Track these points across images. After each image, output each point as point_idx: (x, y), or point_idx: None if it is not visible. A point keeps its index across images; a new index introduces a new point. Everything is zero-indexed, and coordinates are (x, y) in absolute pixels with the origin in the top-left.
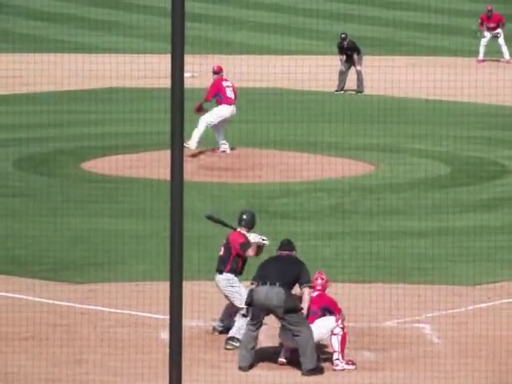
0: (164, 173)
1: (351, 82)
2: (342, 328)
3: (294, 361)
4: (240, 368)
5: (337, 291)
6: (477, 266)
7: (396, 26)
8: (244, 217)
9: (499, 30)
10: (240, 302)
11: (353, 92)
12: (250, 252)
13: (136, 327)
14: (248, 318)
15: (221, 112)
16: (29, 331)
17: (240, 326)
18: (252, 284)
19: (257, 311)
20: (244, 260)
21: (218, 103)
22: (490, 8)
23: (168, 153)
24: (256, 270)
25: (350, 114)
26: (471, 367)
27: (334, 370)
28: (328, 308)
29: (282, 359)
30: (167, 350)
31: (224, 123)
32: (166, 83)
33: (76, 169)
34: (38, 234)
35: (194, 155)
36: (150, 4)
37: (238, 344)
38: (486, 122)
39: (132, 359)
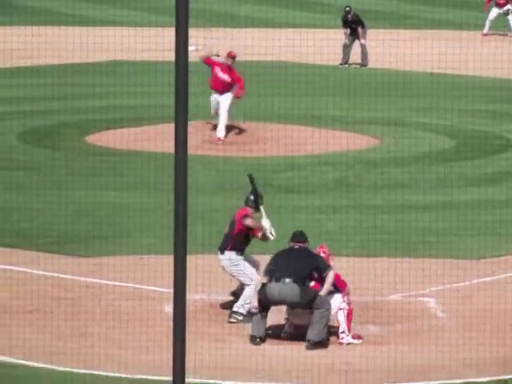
0: (168, 146)
1: (355, 55)
2: (349, 303)
3: (297, 335)
4: (251, 339)
5: (341, 265)
6: (481, 240)
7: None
8: (251, 197)
9: (509, 7)
10: (244, 278)
11: (357, 65)
12: (247, 221)
13: (140, 300)
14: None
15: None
16: (33, 304)
17: (245, 300)
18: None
19: (269, 305)
20: (246, 238)
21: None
22: None
23: (172, 126)
24: (268, 262)
25: (355, 87)
26: (475, 341)
27: (340, 343)
28: (334, 283)
29: (285, 333)
30: (171, 324)
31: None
32: (170, 56)
33: (80, 142)
34: (42, 207)
35: (198, 129)
36: None
37: (241, 318)
38: (491, 95)
39: (136, 332)
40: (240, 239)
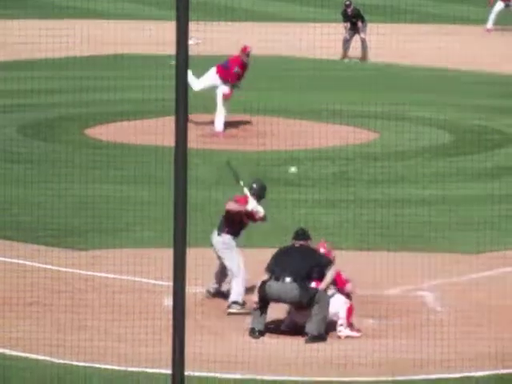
0: (168, 140)
1: (356, 49)
2: (350, 298)
3: (297, 330)
4: (251, 333)
5: (340, 259)
6: (480, 235)
7: None
8: (254, 186)
9: None
10: (232, 264)
11: (357, 60)
12: (228, 205)
13: (140, 293)
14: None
15: None
16: (33, 297)
17: (238, 289)
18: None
19: (268, 302)
20: (240, 222)
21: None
22: None
23: (172, 120)
24: (269, 259)
25: (355, 81)
26: (474, 335)
27: (338, 336)
28: (334, 282)
29: (284, 328)
30: (171, 317)
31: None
32: (170, 50)
33: (80, 135)
34: (42, 200)
35: (198, 122)
36: None
37: (240, 307)
38: (491, 90)
39: (136, 325)
40: (235, 223)
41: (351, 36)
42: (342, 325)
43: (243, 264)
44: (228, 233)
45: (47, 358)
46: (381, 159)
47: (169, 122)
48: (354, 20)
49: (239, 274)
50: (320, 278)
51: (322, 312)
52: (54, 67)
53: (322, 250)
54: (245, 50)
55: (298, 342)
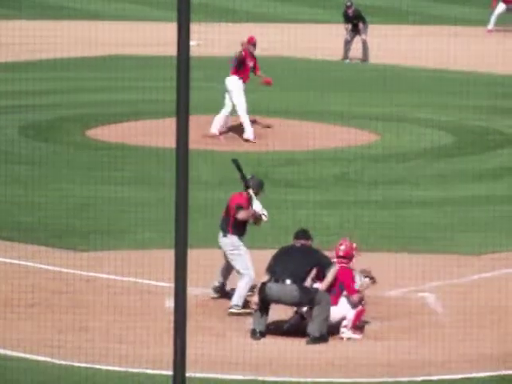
0: (169, 141)
1: (356, 50)
2: (363, 304)
3: (298, 330)
4: (253, 331)
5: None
6: (482, 236)
7: None
8: (251, 182)
9: None
10: (241, 265)
11: (358, 61)
12: (240, 215)
13: (141, 295)
14: (257, 309)
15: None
16: (34, 298)
17: (241, 291)
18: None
19: (268, 304)
20: (244, 222)
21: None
22: None
23: (173, 121)
24: (270, 260)
25: (356, 83)
26: (475, 337)
27: (340, 338)
28: (343, 284)
29: (289, 326)
30: (172, 318)
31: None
32: (171, 51)
33: (81, 136)
34: (43, 201)
35: (199, 123)
36: None
37: (241, 309)
38: (492, 91)
39: (137, 326)
40: (238, 223)
41: (352, 37)
42: (345, 326)
43: (251, 263)
44: (233, 233)
45: (48, 359)
46: (382, 160)
47: (170, 123)
48: (354, 21)
49: (247, 275)
50: (323, 279)
51: (324, 313)
52: (54, 68)
53: (342, 247)
54: (251, 41)
55: (299, 342)
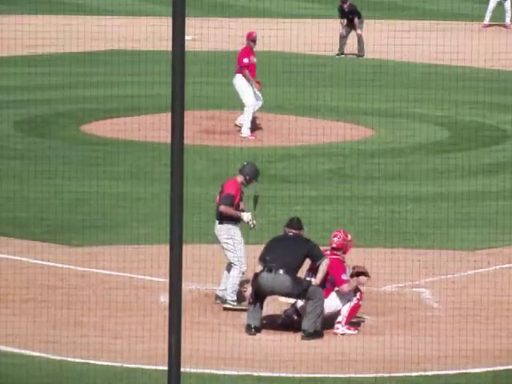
0: (164, 136)
1: (352, 46)
2: (359, 299)
3: (294, 324)
4: (248, 327)
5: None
6: (477, 231)
7: None
8: (245, 165)
9: None
10: (233, 255)
11: (353, 56)
12: (223, 208)
13: (136, 290)
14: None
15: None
16: (29, 293)
17: (234, 284)
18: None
19: (261, 295)
20: (238, 207)
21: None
22: None
23: (168, 116)
24: (262, 250)
25: (351, 78)
26: (470, 332)
27: (335, 333)
28: (333, 276)
29: (286, 317)
30: (167, 313)
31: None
32: (167, 46)
33: (76, 131)
34: (38, 197)
35: (194, 119)
36: None
37: (235, 303)
38: (488, 86)
39: (132, 322)
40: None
41: (347, 32)
42: (340, 322)
43: (244, 255)
44: (228, 219)
45: (43, 355)
46: (377, 156)
47: (166, 118)
48: (350, 16)
49: (238, 266)
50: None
51: (317, 308)
52: (50, 63)
53: (335, 239)
54: (250, 36)
55: (294, 338)
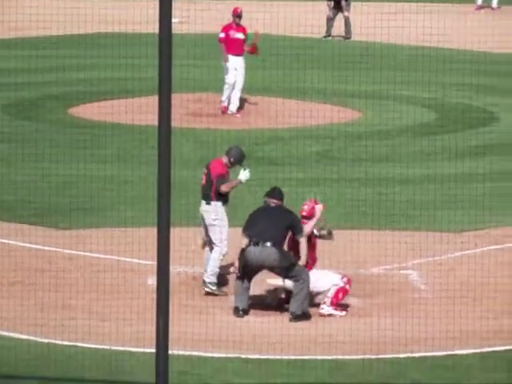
0: (152, 119)
1: (339, 28)
2: (345, 282)
3: (281, 306)
4: (235, 311)
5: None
6: (464, 213)
7: None
8: (232, 148)
9: None
10: (216, 237)
11: (341, 38)
12: (223, 188)
13: (124, 273)
14: (238, 275)
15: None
16: (16, 276)
17: (213, 267)
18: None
19: (249, 270)
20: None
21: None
22: None
23: (156, 98)
24: (245, 221)
25: (338, 60)
26: (458, 314)
27: (321, 314)
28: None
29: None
30: (154, 296)
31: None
32: (154, 28)
33: (64, 114)
34: (25, 180)
35: (182, 101)
36: None
37: (215, 288)
38: (475, 68)
39: (120, 305)
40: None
41: (335, 14)
42: (325, 303)
43: (227, 237)
44: (217, 200)
45: (31, 338)
46: (365, 138)
47: (153, 101)
48: None
49: (219, 248)
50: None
51: (304, 289)
52: (37, 46)
53: (305, 207)
54: (234, 12)
55: (282, 319)
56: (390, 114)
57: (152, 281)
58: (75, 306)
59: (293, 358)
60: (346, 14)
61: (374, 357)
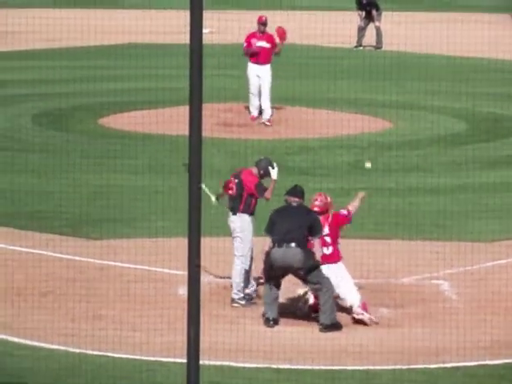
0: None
1: (370, 37)
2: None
3: (311, 315)
4: (265, 321)
5: (355, 247)
6: (495, 223)
7: None
8: (262, 159)
9: None
10: (239, 249)
11: (372, 48)
12: (268, 195)
13: (155, 283)
14: (266, 282)
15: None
16: (48, 286)
17: (236, 281)
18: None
19: (275, 273)
20: (257, 199)
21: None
22: None
23: (186, 108)
24: (267, 222)
25: (369, 70)
26: (489, 324)
27: (353, 318)
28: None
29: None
30: (185, 306)
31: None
32: (185, 39)
33: (94, 124)
34: (56, 190)
35: (213, 111)
36: None
37: (243, 302)
38: (506, 78)
39: (150, 315)
40: (250, 201)
41: (366, 24)
42: (359, 306)
43: (250, 251)
44: (243, 211)
45: (62, 348)
46: (395, 148)
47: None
48: (368, 8)
49: (240, 262)
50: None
51: (329, 299)
52: (68, 57)
53: (317, 202)
54: (260, 20)
55: (312, 329)
56: (420, 124)
57: (183, 291)
58: (106, 317)
59: (323, 368)
60: (377, 23)
61: (405, 367)
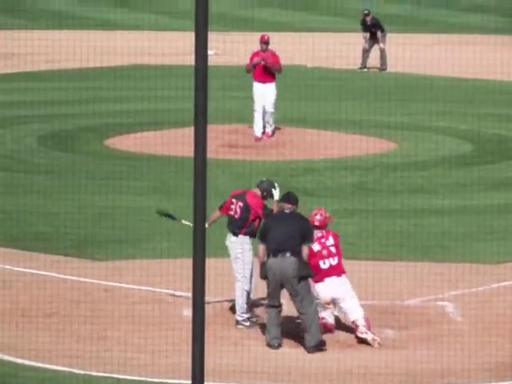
0: (188, 150)
1: (374, 59)
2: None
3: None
4: (269, 345)
5: (360, 269)
6: (500, 245)
7: (420, 3)
8: (263, 181)
9: None
10: (239, 271)
11: (376, 69)
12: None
13: (159, 304)
14: (267, 298)
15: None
16: (52, 308)
17: (238, 303)
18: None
19: (273, 285)
20: (256, 219)
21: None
22: None
23: (191, 130)
24: (261, 229)
25: (374, 91)
26: (494, 346)
27: (356, 336)
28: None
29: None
30: (190, 327)
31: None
32: (189, 60)
33: (100, 146)
34: (61, 211)
35: (217, 133)
36: None
37: (248, 323)
38: (511, 99)
39: (155, 336)
40: (254, 224)
41: (370, 46)
42: (364, 325)
43: (250, 273)
44: (245, 234)
45: (67, 369)
46: (400, 169)
47: (189, 132)
48: (373, 30)
49: (241, 284)
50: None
51: (315, 317)
52: (73, 78)
53: (318, 217)
54: (262, 39)
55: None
56: (425, 145)
57: (188, 312)
58: (111, 338)
59: None
60: (381, 45)
61: None
